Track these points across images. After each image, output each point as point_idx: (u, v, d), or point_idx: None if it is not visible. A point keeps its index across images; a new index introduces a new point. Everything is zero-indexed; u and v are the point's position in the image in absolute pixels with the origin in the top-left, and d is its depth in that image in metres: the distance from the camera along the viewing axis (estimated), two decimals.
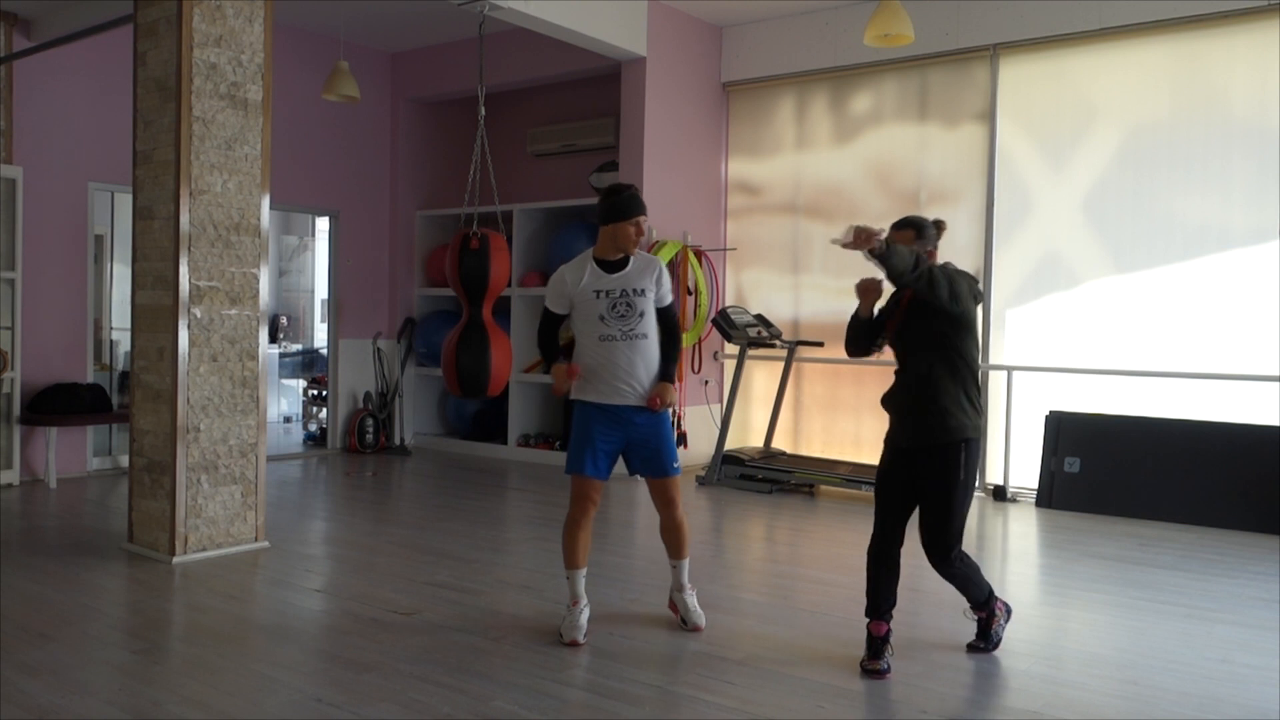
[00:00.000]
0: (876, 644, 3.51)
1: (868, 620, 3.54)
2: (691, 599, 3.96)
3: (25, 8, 7.03)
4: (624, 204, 3.74)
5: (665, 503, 3.92)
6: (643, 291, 3.78)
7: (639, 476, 3.97)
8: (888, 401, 3.62)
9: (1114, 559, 5.22)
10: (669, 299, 3.88)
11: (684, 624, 3.93)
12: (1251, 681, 3.48)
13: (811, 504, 6.75)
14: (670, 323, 3.93)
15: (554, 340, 3.93)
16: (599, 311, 3.75)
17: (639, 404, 3.78)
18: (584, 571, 3.86)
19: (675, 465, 3.89)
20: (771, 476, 7.13)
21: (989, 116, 7.20)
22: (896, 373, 3.62)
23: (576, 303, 3.80)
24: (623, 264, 3.79)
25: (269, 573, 4.76)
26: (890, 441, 3.59)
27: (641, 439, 3.82)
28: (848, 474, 6.97)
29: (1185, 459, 6.23)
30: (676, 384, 3.99)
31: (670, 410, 3.96)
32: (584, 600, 3.83)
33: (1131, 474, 6.38)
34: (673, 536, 3.96)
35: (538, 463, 8.30)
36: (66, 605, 4.14)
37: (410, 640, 3.74)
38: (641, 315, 3.77)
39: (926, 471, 3.47)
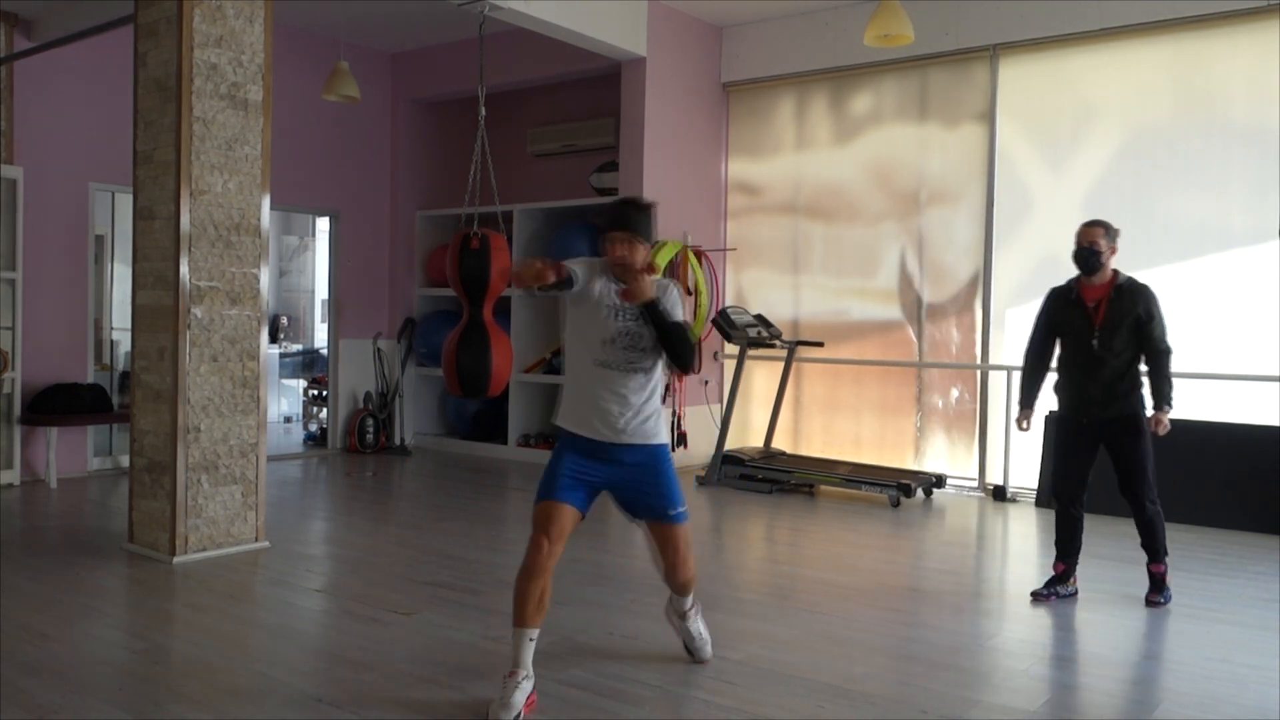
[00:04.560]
0: (1053, 580, 4.44)
1: (1056, 560, 4.49)
2: (696, 624, 3.51)
3: (25, 8, 7.03)
4: (605, 221, 3.25)
5: (670, 551, 3.30)
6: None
7: (640, 521, 3.35)
8: (1092, 384, 4.38)
9: (1114, 559, 5.22)
10: (678, 316, 3.22)
11: (689, 654, 3.53)
12: (1251, 681, 3.48)
13: (811, 504, 6.75)
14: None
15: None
16: (605, 334, 3.18)
17: (628, 443, 3.20)
18: (533, 633, 3.05)
19: (679, 510, 3.26)
20: (771, 476, 7.13)
21: (989, 117, 7.20)
22: (1082, 362, 4.40)
23: (584, 303, 3.20)
24: None
25: (269, 573, 4.76)
26: (1081, 416, 4.44)
27: (631, 480, 3.24)
28: (848, 474, 6.97)
29: (1185, 459, 6.22)
30: (691, 370, 3.72)
31: (669, 441, 3.36)
32: (525, 670, 3.02)
33: None
34: (677, 588, 3.43)
35: (538, 463, 8.30)
36: (66, 605, 4.14)
37: (410, 640, 3.75)
38: (644, 350, 3.21)
39: (1120, 434, 4.37)
